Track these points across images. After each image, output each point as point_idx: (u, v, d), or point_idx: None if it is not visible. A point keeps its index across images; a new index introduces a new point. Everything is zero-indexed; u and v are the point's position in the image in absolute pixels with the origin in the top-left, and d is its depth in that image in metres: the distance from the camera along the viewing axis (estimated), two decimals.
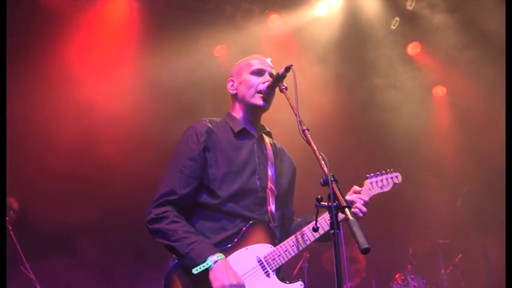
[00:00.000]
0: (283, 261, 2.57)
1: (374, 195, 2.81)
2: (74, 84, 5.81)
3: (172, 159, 2.69)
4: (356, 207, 2.67)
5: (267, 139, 2.89)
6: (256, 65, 2.81)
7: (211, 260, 2.39)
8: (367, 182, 2.85)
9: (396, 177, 2.94)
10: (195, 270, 2.38)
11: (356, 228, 1.94)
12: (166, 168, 2.68)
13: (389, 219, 6.62)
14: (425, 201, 6.71)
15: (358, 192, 2.74)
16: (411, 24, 6.73)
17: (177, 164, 2.64)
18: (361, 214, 2.67)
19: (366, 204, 2.70)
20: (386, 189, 2.89)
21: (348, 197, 2.69)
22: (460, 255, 6.42)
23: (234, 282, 2.37)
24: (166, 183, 2.61)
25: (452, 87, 7.27)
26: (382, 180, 2.88)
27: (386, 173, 2.92)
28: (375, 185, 2.84)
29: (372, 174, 2.88)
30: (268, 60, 2.90)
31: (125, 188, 5.75)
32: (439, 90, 7.44)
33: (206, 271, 2.38)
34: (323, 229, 2.63)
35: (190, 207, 2.62)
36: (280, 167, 2.88)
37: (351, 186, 2.80)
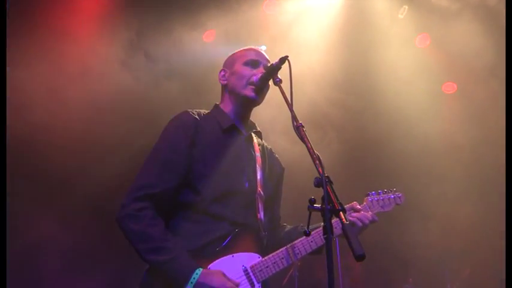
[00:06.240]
0: (270, 274, 2.63)
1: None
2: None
3: (155, 150, 2.72)
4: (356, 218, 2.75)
5: (255, 139, 2.96)
6: (251, 56, 2.88)
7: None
8: (367, 200, 2.94)
9: (399, 197, 3.04)
10: None
11: (350, 233, 1.98)
12: (147, 159, 2.70)
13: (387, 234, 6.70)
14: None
15: (358, 211, 2.80)
16: (421, 14, 6.80)
17: (160, 155, 2.67)
18: (360, 224, 2.73)
19: (368, 222, 2.77)
20: (387, 209, 2.98)
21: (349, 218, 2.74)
22: (468, 270, 6.56)
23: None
24: (146, 173, 2.64)
25: (464, 84, 7.36)
26: (383, 200, 2.97)
27: (389, 192, 3.02)
28: (375, 203, 2.93)
29: (373, 192, 2.96)
30: (264, 50, 2.98)
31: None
32: (450, 87, 7.54)
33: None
34: (316, 243, 2.70)
35: (169, 207, 2.66)
36: (268, 170, 2.94)
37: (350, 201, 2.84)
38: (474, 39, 6.42)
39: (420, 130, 6.97)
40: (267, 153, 3.02)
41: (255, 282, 2.60)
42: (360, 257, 1.95)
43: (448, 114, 7.31)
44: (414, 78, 7.19)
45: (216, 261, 2.57)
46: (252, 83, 2.79)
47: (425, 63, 7.11)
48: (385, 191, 3.01)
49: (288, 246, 2.69)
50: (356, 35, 6.84)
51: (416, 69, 7.11)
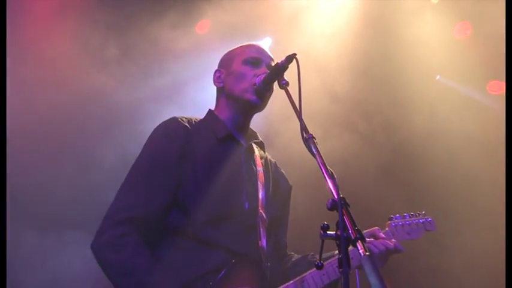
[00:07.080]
0: None
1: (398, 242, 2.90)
2: None
3: (138, 164, 2.76)
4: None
5: (257, 151, 3.00)
6: (252, 53, 2.94)
7: None
8: (389, 225, 2.97)
9: (430, 222, 3.08)
10: None
11: (370, 266, 1.96)
12: (129, 175, 2.73)
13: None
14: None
15: (378, 238, 2.84)
16: None
17: (143, 170, 2.71)
18: (376, 251, 2.75)
19: (388, 252, 2.80)
20: (414, 236, 3.02)
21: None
22: None
23: None
24: (127, 192, 2.66)
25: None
26: (410, 225, 3.00)
27: (416, 216, 3.05)
28: (400, 229, 2.97)
29: (396, 216, 3.00)
30: (269, 43, 3.04)
31: None
32: (496, 87, 7.53)
33: None
34: (329, 278, 2.71)
35: (155, 232, 2.67)
36: (273, 188, 2.98)
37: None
38: None
39: (457, 130, 7.00)
40: (271, 167, 3.05)
41: None
42: None
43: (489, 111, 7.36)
44: (452, 73, 7.23)
45: None
46: (253, 85, 2.82)
47: (466, 56, 7.15)
48: (412, 215, 3.04)
49: (297, 279, 2.70)
50: (383, 24, 6.88)
51: (455, 63, 7.15)
